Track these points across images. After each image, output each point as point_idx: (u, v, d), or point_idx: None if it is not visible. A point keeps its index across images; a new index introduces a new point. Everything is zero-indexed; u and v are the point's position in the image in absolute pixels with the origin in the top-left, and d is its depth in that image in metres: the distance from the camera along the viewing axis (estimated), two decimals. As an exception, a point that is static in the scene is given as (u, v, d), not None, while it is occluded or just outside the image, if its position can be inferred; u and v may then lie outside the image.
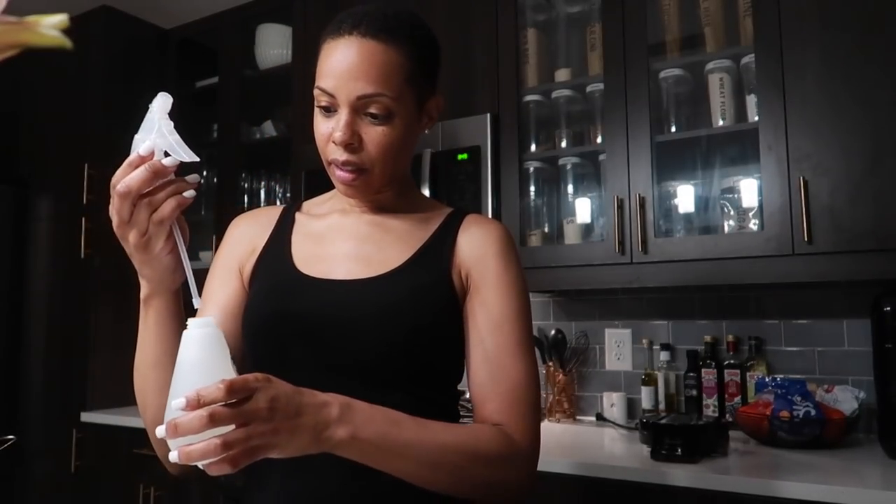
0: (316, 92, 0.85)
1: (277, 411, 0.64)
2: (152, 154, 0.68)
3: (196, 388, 0.60)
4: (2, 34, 0.36)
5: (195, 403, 0.59)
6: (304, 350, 0.85)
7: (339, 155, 0.84)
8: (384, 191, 0.94)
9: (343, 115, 0.83)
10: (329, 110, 0.85)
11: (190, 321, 0.67)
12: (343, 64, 0.82)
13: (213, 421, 0.59)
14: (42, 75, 2.88)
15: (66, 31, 0.37)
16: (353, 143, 0.84)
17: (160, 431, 0.61)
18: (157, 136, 0.68)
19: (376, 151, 0.85)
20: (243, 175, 2.76)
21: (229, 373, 0.65)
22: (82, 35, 2.69)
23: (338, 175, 0.87)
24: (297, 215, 0.99)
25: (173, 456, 0.61)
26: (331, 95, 0.83)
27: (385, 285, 0.87)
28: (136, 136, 0.70)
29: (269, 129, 2.79)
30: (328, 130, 0.85)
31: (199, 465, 0.61)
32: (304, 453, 0.67)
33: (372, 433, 0.71)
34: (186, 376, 0.64)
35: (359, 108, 0.83)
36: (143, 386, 0.82)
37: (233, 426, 0.61)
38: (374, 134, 0.84)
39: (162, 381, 0.78)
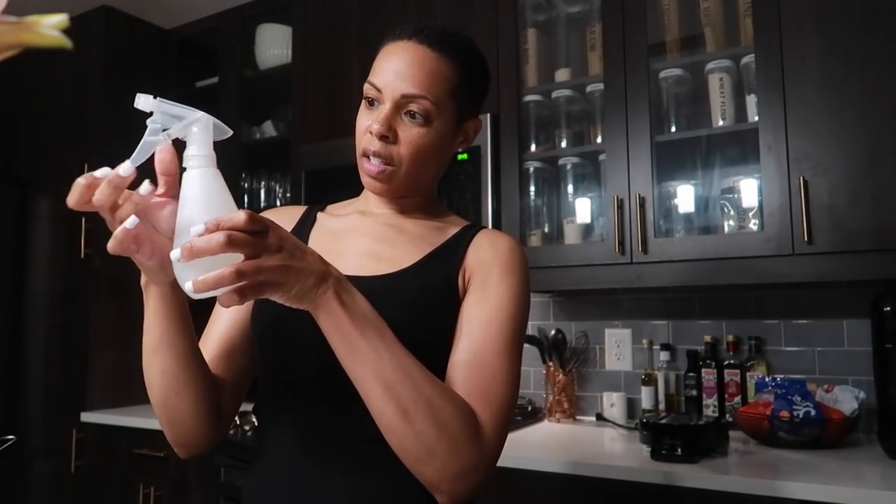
0: (366, 86, 0.90)
1: (285, 249, 0.67)
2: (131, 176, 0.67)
3: (206, 217, 0.63)
4: (2, 34, 0.36)
5: (213, 228, 0.62)
6: (309, 343, 0.86)
7: (373, 145, 0.88)
8: (408, 196, 0.95)
9: (385, 109, 0.88)
10: (373, 104, 0.90)
11: (187, 162, 0.68)
12: (395, 63, 0.88)
13: (231, 244, 0.62)
14: (42, 75, 2.88)
15: (66, 31, 0.37)
16: (388, 136, 0.88)
17: (174, 255, 0.63)
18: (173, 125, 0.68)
19: (407, 150, 0.88)
20: (243, 175, 2.76)
21: (233, 207, 0.68)
22: (82, 35, 2.69)
23: (366, 167, 0.90)
24: (319, 215, 1.01)
25: (188, 287, 0.63)
26: (378, 90, 0.89)
27: (392, 283, 0.88)
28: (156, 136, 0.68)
29: (268, 129, 2.79)
30: (368, 122, 0.89)
31: (214, 293, 0.63)
32: (302, 301, 0.69)
33: (352, 309, 0.72)
34: (192, 209, 0.66)
35: (400, 106, 0.88)
36: (147, 369, 0.83)
37: (242, 257, 0.64)
38: (409, 133, 0.88)
39: (163, 366, 0.81)
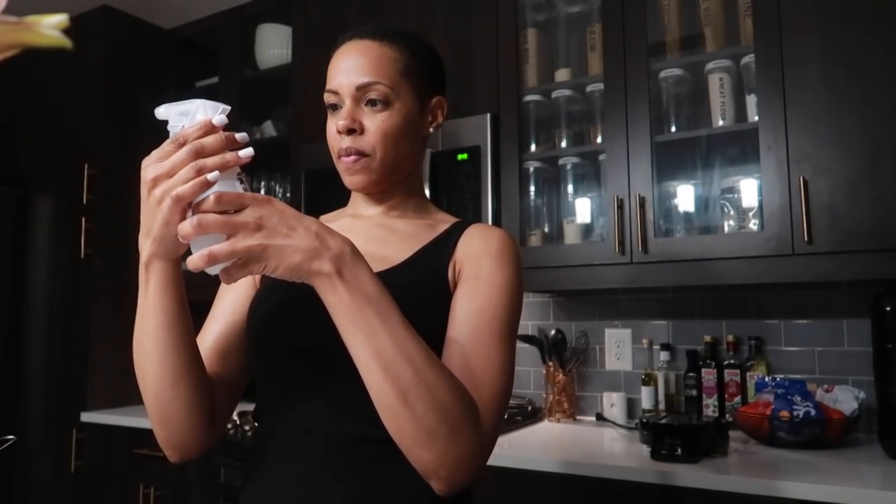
0: (325, 96, 0.94)
1: (265, 228, 0.68)
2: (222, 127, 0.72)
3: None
4: (2, 34, 0.36)
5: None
6: (303, 342, 0.86)
7: (344, 143, 0.91)
8: (389, 184, 0.96)
9: (346, 106, 0.91)
10: (336, 108, 0.93)
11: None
12: (343, 63, 0.92)
13: (202, 227, 0.65)
14: (42, 75, 2.88)
15: (66, 31, 0.37)
16: (354, 128, 0.90)
17: (179, 231, 0.67)
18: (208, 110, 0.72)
19: (376, 136, 0.91)
20: (243, 175, 2.76)
21: (235, 189, 0.71)
22: (82, 35, 2.69)
23: (342, 163, 0.92)
24: None
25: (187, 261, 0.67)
26: (335, 93, 0.92)
27: (383, 281, 0.87)
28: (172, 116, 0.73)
29: (269, 129, 2.79)
30: (335, 126, 0.92)
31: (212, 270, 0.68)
32: (294, 277, 0.70)
33: (354, 287, 0.71)
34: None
35: (359, 99, 0.91)
36: (142, 360, 0.80)
37: (224, 237, 0.66)
38: (374, 120, 0.91)
39: (160, 354, 0.79)
